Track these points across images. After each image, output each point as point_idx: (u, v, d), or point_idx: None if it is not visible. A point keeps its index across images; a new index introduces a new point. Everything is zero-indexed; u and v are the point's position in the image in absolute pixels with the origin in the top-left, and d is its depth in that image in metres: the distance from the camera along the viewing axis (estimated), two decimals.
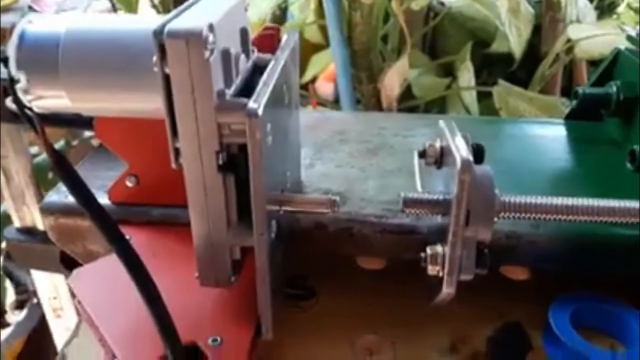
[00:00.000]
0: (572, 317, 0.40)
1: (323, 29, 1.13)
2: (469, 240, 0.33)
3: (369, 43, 1.00)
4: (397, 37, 1.09)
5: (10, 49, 0.31)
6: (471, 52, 1.11)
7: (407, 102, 1.10)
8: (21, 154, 0.56)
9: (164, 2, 1.24)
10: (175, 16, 0.28)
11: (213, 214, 0.32)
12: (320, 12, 1.12)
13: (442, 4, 1.16)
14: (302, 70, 1.17)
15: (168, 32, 0.27)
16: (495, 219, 0.34)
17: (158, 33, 0.27)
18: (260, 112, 0.28)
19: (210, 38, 0.27)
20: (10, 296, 1.37)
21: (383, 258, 0.45)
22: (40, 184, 0.62)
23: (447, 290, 0.34)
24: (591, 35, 0.96)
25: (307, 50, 1.17)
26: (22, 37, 0.31)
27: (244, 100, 0.29)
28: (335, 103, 1.18)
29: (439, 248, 0.34)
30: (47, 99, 0.32)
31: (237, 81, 0.31)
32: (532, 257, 0.42)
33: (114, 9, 1.35)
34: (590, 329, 0.41)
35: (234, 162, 0.32)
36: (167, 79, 0.28)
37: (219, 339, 0.34)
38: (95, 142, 0.92)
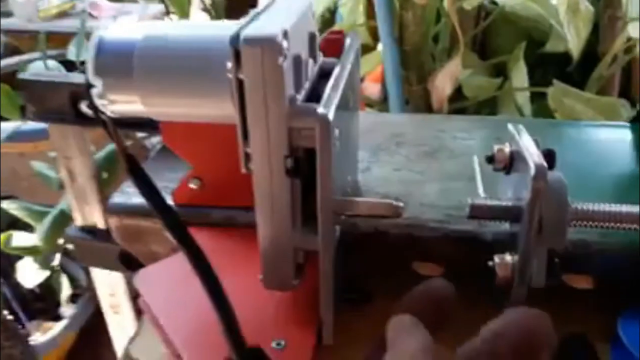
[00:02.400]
0: None
1: (372, 30, 1.12)
2: (541, 250, 0.32)
3: (420, 43, 0.98)
4: (448, 37, 1.07)
5: (89, 56, 0.32)
6: (525, 51, 1.08)
7: (457, 103, 1.09)
8: (85, 155, 0.57)
9: (215, 6, 1.26)
10: (249, 22, 0.29)
11: (279, 217, 0.33)
12: (369, 13, 1.11)
13: (495, 3, 1.13)
14: None
15: (244, 39, 0.27)
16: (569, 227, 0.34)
17: (234, 40, 0.27)
18: (331, 117, 0.28)
19: (285, 44, 0.27)
20: (65, 290, 1.42)
21: (442, 264, 0.45)
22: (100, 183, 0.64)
23: (516, 300, 0.33)
24: None
25: None
26: (99, 44, 0.32)
27: (314, 105, 0.29)
28: (383, 104, 1.17)
29: (507, 257, 0.33)
30: (121, 103, 0.33)
31: (306, 86, 0.32)
32: (599, 266, 0.41)
33: (167, 13, 1.38)
34: None
35: (300, 167, 0.32)
36: (240, 84, 0.28)
37: (282, 342, 0.35)
38: (147, 143, 0.94)
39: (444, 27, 1.07)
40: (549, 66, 1.15)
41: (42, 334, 1.41)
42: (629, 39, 0.96)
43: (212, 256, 0.42)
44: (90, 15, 1.61)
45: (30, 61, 1.09)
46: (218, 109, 0.31)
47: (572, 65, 0.99)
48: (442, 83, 0.97)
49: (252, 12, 0.30)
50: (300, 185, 0.33)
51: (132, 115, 0.34)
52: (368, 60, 1.14)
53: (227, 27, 0.28)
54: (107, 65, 0.31)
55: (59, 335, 1.42)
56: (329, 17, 1.16)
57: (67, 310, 1.47)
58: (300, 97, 0.30)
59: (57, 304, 1.47)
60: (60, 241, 1.12)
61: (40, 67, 1.03)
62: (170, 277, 0.40)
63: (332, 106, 0.29)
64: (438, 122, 0.60)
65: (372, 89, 1.30)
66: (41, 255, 1.24)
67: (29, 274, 1.31)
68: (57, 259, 1.27)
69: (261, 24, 0.28)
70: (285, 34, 0.27)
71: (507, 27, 1.15)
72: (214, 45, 0.30)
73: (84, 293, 1.47)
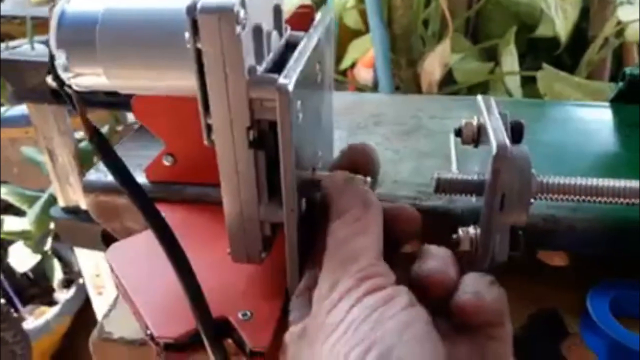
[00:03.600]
0: (612, 304, 0.39)
1: (363, 14, 1.11)
2: (503, 225, 0.32)
3: (409, 27, 0.98)
4: (438, 21, 1.06)
5: (51, 27, 0.32)
6: (515, 36, 1.07)
7: (448, 87, 1.08)
8: (65, 135, 0.57)
9: None
10: None
11: (244, 190, 0.33)
12: None
13: None
14: (341, 56, 1.16)
15: (201, 8, 0.27)
16: (532, 201, 0.34)
17: (191, 9, 0.27)
18: (290, 87, 0.28)
19: (242, 13, 0.27)
20: (57, 275, 1.42)
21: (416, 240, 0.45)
22: (87, 168, 0.65)
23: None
24: None
25: (347, 36, 1.16)
26: (62, 15, 0.31)
27: (274, 76, 0.29)
28: (375, 89, 1.17)
29: (471, 230, 0.34)
30: (86, 76, 0.33)
31: (269, 58, 0.31)
32: (570, 241, 0.41)
33: None
34: (631, 317, 0.39)
35: (265, 139, 0.32)
36: (199, 54, 0.28)
37: (249, 313, 0.35)
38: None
39: (434, 10, 1.06)
40: (540, 51, 1.14)
41: (36, 319, 1.41)
42: (619, 23, 0.96)
43: (185, 232, 0.42)
44: None
45: (19, 47, 1.09)
46: (181, 80, 0.31)
47: (561, 48, 0.99)
48: (432, 67, 0.96)
49: None
50: (267, 158, 0.33)
51: (98, 89, 0.34)
52: (358, 45, 1.14)
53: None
54: (69, 37, 0.31)
55: (53, 320, 1.42)
56: (320, 0, 1.15)
57: (62, 295, 1.47)
58: (261, 68, 0.30)
59: (52, 289, 1.48)
60: (52, 225, 1.12)
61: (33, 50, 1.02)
62: (141, 252, 0.40)
63: (294, 77, 0.29)
64: (417, 102, 0.60)
65: (364, 74, 1.30)
66: (33, 240, 1.24)
67: (21, 258, 1.32)
68: (48, 243, 1.27)
69: None
70: (243, 3, 0.27)
71: (499, 11, 1.15)
72: (175, 16, 0.29)
73: (78, 278, 1.47)
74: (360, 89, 1.20)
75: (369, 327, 0.25)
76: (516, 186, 0.32)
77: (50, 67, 0.32)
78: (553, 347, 0.41)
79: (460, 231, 0.34)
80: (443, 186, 0.35)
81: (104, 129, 1.07)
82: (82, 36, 0.31)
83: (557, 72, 0.98)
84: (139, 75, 0.32)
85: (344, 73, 1.20)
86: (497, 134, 0.31)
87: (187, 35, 0.28)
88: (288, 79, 0.29)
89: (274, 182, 0.33)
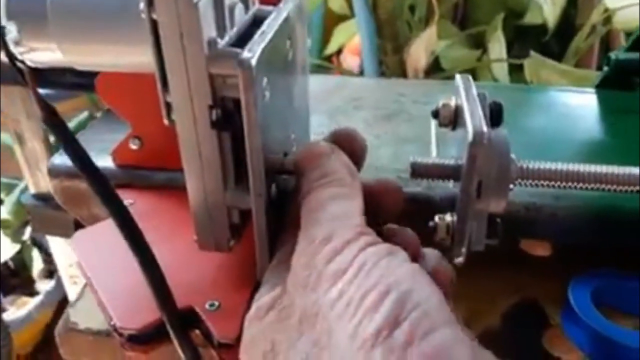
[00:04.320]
0: (593, 294, 0.38)
1: None
2: (480, 212, 0.31)
3: (395, 11, 0.96)
4: (425, 6, 1.05)
5: None
6: (503, 23, 1.06)
7: (435, 74, 1.07)
8: (34, 118, 0.55)
9: None
10: None
11: (208, 174, 0.31)
12: None
13: None
14: (327, 41, 1.14)
15: None
16: (512, 187, 0.32)
17: None
18: (254, 62, 0.26)
19: None
20: (38, 265, 1.40)
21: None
22: None
23: (457, 261, 0.32)
24: (630, 4, 0.91)
25: (332, 21, 1.14)
26: None
27: (236, 50, 0.27)
28: (361, 76, 1.15)
29: (447, 217, 0.32)
30: (39, 51, 0.31)
31: (233, 32, 0.30)
32: (553, 230, 0.39)
33: None
34: (612, 308, 0.38)
35: (230, 120, 0.30)
36: (154, 25, 0.26)
37: (216, 303, 0.33)
38: None
39: None
40: (527, 38, 1.13)
41: (17, 310, 1.39)
42: (607, 10, 0.95)
43: (152, 219, 0.41)
44: None
45: None
46: (138, 55, 0.29)
47: (549, 35, 0.98)
48: (417, 53, 0.95)
49: None
50: (233, 140, 0.31)
51: (53, 65, 0.32)
52: (344, 29, 1.12)
53: None
54: (19, 9, 0.29)
55: (35, 311, 1.40)
56: None
57: (43, 285, 1.45)
58: (223, 41, 0.28)
59: (33, 280, 1.45)
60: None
61: None
62: (106, 240, 0.38)
63: (257, 51, 0.27)
64: (400, 86, 0.58)
65: (351, 61, 1.28)
66: (11, 228, 1.22)
67: (0, 247, 1.29)
68: (27, 232, 1.24)
69: None
70: None
71: None
72: None
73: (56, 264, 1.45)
74: (346, 75, 1.18)
75: (380, 272, 0.24)
76: (494, 172, 0.31)
77: (0, 40, 0.30)
78: (534, 338, 0.39)
79: (437, 218, 0.32)
80: (419, 171, 0.34)
81: (83, 115, 1.04)
82: (33, 8, 0.29)
83: (544, 60, 0.97)
84: (94, 50, 0.30)
85: (329, 59, 1.18)
86: (474, 117, 0.30)
87: (141, 4, 0.26)
88: (251, 53, 0.27)
89: (241, 166, 0.31)
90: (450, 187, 0.36)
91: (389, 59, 1.02)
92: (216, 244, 0.34)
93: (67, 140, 0.31)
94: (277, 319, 0.27)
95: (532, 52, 0.98)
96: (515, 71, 1.05)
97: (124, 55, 0.30)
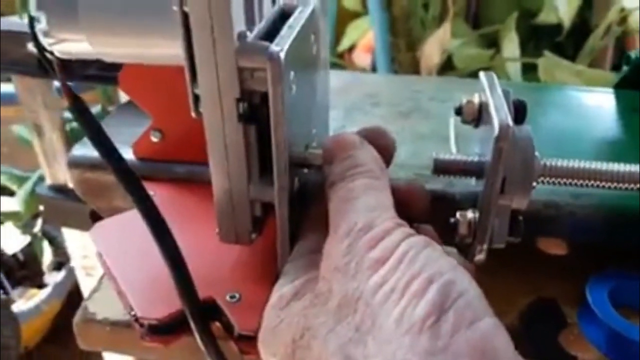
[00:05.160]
0: (611, 294, 0.38)
1: None
2: (503, 209, 0.31)
3: (409, 9, 0.96)
4: (439, 4, 1.05)
5: None
6: (517, 22, 1.05)
7: (448, 73, 1.07)
8: (52, 109, 0.56)
9: None
10: None
11: (233, 167, 0.31)
12: None
13: None
14: (339, 38, 1.14)
15: None
16: (534, 184, 0.32)
17: None
18: (282, 55, 0.27)
19: None
20: (48, 258, 1.41)
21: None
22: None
23: (477, 258, 0.32)
24: None
25: (345, 17, 1.14)
26: None
27: (265, 43, 0.27)
28: (373, 73, 1.15)
29: (469, 214, 0.32)
30: (68, 42, 0.31)
31: (261, 25, 0.30)
32: (571, 228, 0.39)
33: None
34: (630, 307, 0.38)
35: (256, 113, 0.30)
36: (185, 17, 0.26)
37: (237, 295, 0.34)
38: None
39: None
40: (541, 37, 1.13)
41: (26, 301, 1.40)
42: (623, 10, 0.94)
43: (173, 211, 0.41)
44: None
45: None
46: (168, 47, 0.29)
47: (563, 34, 0.97)
48: (431, 51, 0.95)
49: None
50: (258, 133, 0.31)
51: (82, 57, 0.32)
52: (357, 26, 1.12)
53: None
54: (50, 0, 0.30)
55: (43, 303, 1.41)
56: None
57: (52, 278, 1.46)
58: (252, 35, 0.28)
59: (42, 272, 1.46)
60: (42, 207, 1.10)
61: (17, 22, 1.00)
62: (126, 231, 0.39)
63: (286, 45, 0.27)
64: (415, 83, 0.58)
65: (363, 58, 1.28)
66: (22, 220, 1.23)
67: (10, 239, 1.30)
68: (38, 224, 1.25)
69: None
70: None
71: None
72: None
73: (68, 261, 1.46)
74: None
75: (423, 261, 0.25)
76: (518, 168, 0.31)
77: (30, 31, 0.31)
78: (551, 338, 0.39)
79: (459, 215, 0.32)
80: (442, 167, 0.34)
81: (96, 109, 1.05)
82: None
83: (559, 60, 0.97)
84: (123, 42, 0.30)
85: (341, 56, 1.18)
86: (499, 112, 0.30)
87: None
88: (280, 47, 0.27)
89: (266, 159, 0.31)
90: (471, 184, 0.36)
91: (402, 57, 1.02)
92: (238, 237, 0.34)
93: (94, 129, 0.32)
94: (310, 304, 0.27)
95: (546, 52, 0.98)
96: (529, 71, 1.05)
97: (153, 48, 0.30)
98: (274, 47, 0.27)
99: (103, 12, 0.29)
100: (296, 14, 0.31)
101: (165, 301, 0.33)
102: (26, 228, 1.29)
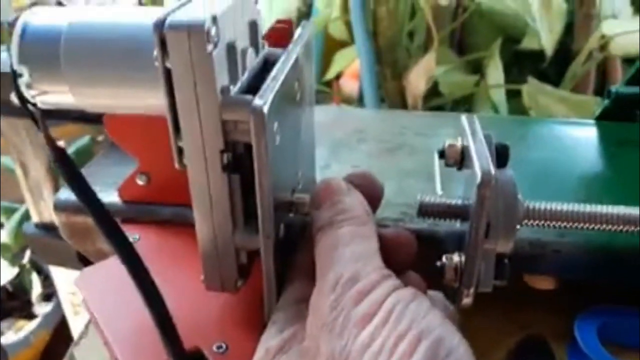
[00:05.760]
0: (600, 331, 0.38)
1: (348, 25, 1.10)
2: (489, 253, 0.31)
3: (394, 39, 0.97)
4: (424, 33, 1.06)
5: (13, 42, 0.30)
6: (501, 48, 1.07)
7: (434, 100, 1.07)
8: (38, 148, 0.55)
9: None
10: (178, 7, 0.27)
11: (218, 216, 0.31)
12: (345, 7, 1.09)
13: None
14: (326, 67, 1.15)
15: (168, 25, 0.25)
16: (518, 227, 0.32)
17: (159, 25, 0.26)
18: (265, 109, 0.27)
19: (213, 31, 0.26)
20: (37, 289, 1.39)
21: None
22: (63, 182, 0.62)
23: (464, 302, 0.32)
24: (627, 31, 0.92)
25: (332, 46, 1.15)
26: (24, 29, 0.30)
27: (249, 97, 0.27)
28: (360, 101, 1.16)
29: (455, 257, 0.32)
30: (51, 94, 0.31)
31: (244, 77, 0.30)
32: (557, 266, 0.40)
33: (140, 2, 1.35)
34: (619, 344, 0.38)
35: (240, 163, 0.30)
36: (168, 73, 0.26)
37: (224, 345, 0.33)
38: None
39: (419, 22, 1.05)
40: (525, 63, 1.14)
41: (15, 333, 1.38)
42: (603, 36, 0.96)
43: (159, 255, 0.41)
44: (62, 4, 1.57)
45: None
46: (150, 99, 0.29)
47: (546, 61, 0.99)
48: (416, 79, 0.96)
49: None
50: (243, 181, 0.31)
51: (64, 107, 0.32)
52: (344, 56, 1.13)
53: (156, 13, 0.27)
54: (32, 53, 0.30)
55: (32, 334, 1.39)
56: (305, 11, 1.14)
57: (41, 308, 1.44)
58: (235, 88, 0.29)
59: (31, 303, 1.44)
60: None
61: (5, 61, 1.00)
62: (112, 278, 0.38)
63: (269, 98, 0.27)
64: (402, 117, 0.59)
65: (350, 86, 1.29)
66: (10, 253, 1.21)
67: None
68: (26, 256, 1.24)
69: (190, 9, 0.27)
70: (215, 20, 0.26)
71: (484, 23, 1.15)
72: (143, 32, 0.28)
73: (57, 291, 1.44)
74: (346, 101, 1.19)
75: (410, 317, 0.25)
76: (502, 213, 0.31)
77: (13, 84, 0.31)
78: None
79: (445, 259, 0.32)
80: (426, 210, 0.34)
81: (85, 139, 1.04)
82: (45, 52, 0.30)
83: (542, 86, 0.98)
84: (106, 94, 0.30)
85: (328, 84, 1.19)
86: (481, 159, 0.30)
87: (155, 53, 0.26)
88: (263, 100, 0.27)
89: (250, 206, 0.31)
90: (455, 225, 0.36)
91: (388, 85, 1.02)
92: (223, 284, 0.34)
93: (73, 176, 0.31)
94: None
95: (530, 78, 0.99)
96: (514, 96, 1.06)
97: (136, 99, 0.30)
98: (257, 100, 0.27)
99: (86, 65, 0.30)
100: (279, 63, 0.31)
101: (151, 352, 0.33)
102: (15, 260, 1.27)
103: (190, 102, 0.27)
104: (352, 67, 1.21)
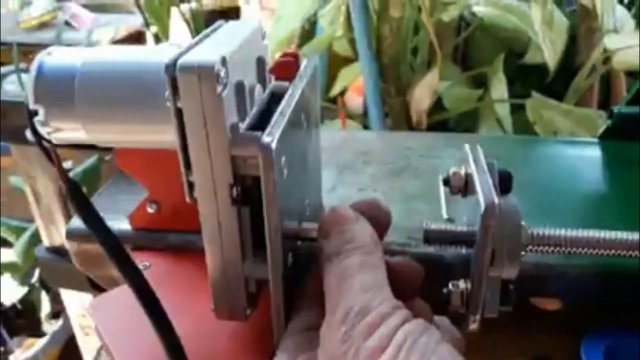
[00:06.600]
0: (606, 352, 0.38)
1: (352, 42, 1.12)
2: (494, 280, 0.31)
3: (398, 56, 0.98)
4: (427, 49, 1.07)
5: (29, 82, 0.31)
6: (504, 63, 1.08)
7: (438, 115, 1.08)
8: (49, 174, 0.56)
9: (196, 17, 1.26)
10: (189, 49, 0.28)
11: (227, 247, 0.32)
12: (349, 25, 1.11)
13: (474, 14, 1.14)
14: (331, 83, 1.16)
15: (180, 67, 0.26)
16: (523, 253, 0.33)
17: (170, 67, 0.26)
18: (273, 145, 0.27)
19: (223, 72, 0.27)
20: (46, 306, 1.40)
21: None
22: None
23: (471, 327, 0.32)
24: (629, 46, 0.93)
25: (336, 63, 1.17)
26: (40, 69, 0.31)
27: (257, 133, 0.28)
28: (365, 116, 1.17)
29: (461, 284, 0.33)
30: (65, 131, 0.32)
31: (253, 112, 0.31)
32: (563, 288, 0.40)
33: (147, 25, 1.37)
34: None
35: (249, 194, 0.31)
36: (179, 113, 0.27)
37: None
38: None
39: (422, 39, 1.07)
40: (529, 78, 1.15)
41: (24, 351, 1.39)
42: (606, 50, 0.97)
43: (169, 282, 0.41)
44: (71, 25, 1.59)
45: (6, 75, 1.08)
46: (161, 135, 0.30)
47: (550, 76, 0.99)
48: (420, 95, 0.96)
49: (197, 37, 0.30)
50: (252, 212, 0.32)
51: (76, 143, 0.33)
52: (348, 73, 1.14)
53: (168, 54, 0.28)
54: (47, 92, 0.31)
55: (41, 352, 1.39)
56: (309, 29, 1.16)
57: (50, 326, 1.45)
58: (244, 124, 0.29)
59: (40, 321, 1.45)
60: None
61: (14, 81, 1.02)
62: (123, 306, 0.39)
63: (277, 134, 0.28)
64: (406, 139, 0.59)
65: (354, 101, 1.30)
66: (20, 272, 1.22)
67: (8, 290, 1.29)
68: (36, 275, 1.25)
69: (200, 50, 0.28)
70: (224, 62, 0.27)
71: (487, 38, 1.15)
72: (155, 72, 0.29)
73: (66, 309, 1.44)
74: (350, 116, 1.20)
75: (420, 351, 0.25)
76: (506, 240, 0.31)
77: (29, 122, 0.32)
78: None
79: (451, 285, 0.33)
80: (432, 237, 0.34)
81: (93, 159, 1.06)
82: (60, 90, 0.31)
83: (546, 100, 0.99)
84: (118, 130, 0.31)
85: (333, 100, 1.20)
86: (484, 189, 0.31)
87: (167, 93, 0.27)
88: (271, 137, 0.28)
89: (259, 236, 0.32)
90: (462, 250, 0.37)
91: (393, 101, 1.03)
92: (232, 313, 0.34)
93: (86, 212, 0.32)
94: None
95: (534, 93, 1.00)
96: (518, 110, 1.07)
97: (146, 135, 0.31)
98: (265, 137, 0.28)
99: (99, 103, 0.31)
100: (287, 97, 0.32)
101: None
102: (24, 278, 1.29)
103: (201, 140, 0.28)
104: (356, 82, 1.22)
